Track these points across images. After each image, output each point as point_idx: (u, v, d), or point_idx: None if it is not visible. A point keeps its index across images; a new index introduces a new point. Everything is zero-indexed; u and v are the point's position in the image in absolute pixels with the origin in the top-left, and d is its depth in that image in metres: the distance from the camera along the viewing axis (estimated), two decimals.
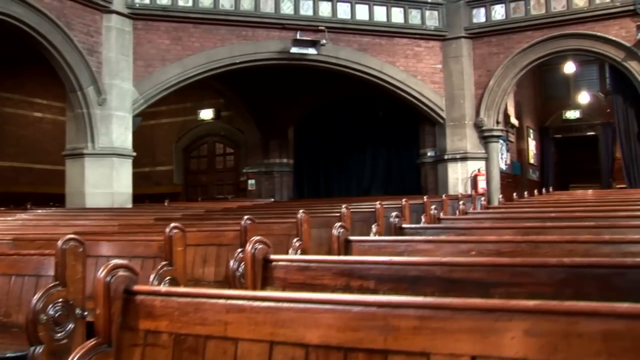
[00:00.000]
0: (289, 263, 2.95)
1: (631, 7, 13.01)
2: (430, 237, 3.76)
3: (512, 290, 2.46)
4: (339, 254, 3.71)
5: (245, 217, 5.32)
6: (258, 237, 3.11)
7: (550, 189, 12.51)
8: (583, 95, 20.62)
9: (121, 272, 2.29)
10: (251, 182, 17.45)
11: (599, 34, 13.37)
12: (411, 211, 9.53)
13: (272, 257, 3.01)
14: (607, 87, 19.15)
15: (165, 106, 17.32)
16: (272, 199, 16.38)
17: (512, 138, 17.01)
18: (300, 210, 6.08)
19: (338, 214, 6.92)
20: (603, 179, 20.99)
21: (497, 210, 6.42)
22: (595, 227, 4.06)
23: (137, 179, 18.33)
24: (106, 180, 11.63)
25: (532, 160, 19.82)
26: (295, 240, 5.95)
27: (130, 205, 11.92)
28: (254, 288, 2.94)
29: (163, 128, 19.49)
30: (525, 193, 9.73)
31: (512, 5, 14.27)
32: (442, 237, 3.72)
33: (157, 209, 11.06)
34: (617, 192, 11.14)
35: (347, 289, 2.76)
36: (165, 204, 12.59)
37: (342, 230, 3.81)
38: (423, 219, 9.71)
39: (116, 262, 2.29)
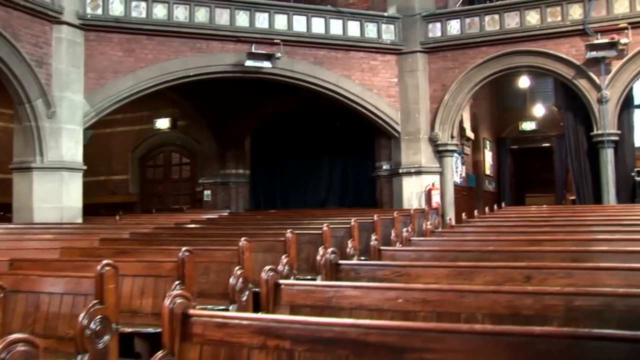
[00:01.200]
0: (207, 319, 2.90)
1: (581, 27, 13.22)
2: (359, 284, 3.73)
3: (425, 356, 2.44)
4: (267, 299, 3.67)
5: (184, 249, 5.27)
6: (177, 291, 3.06)
7: (503, 205, 12.63)
8: (538, 107, 20.89)
9: (20, 347, 2.22)
10: (207, 192, 17.32)
11: (550, 51, 13.56)
12: (361, 230, 9.57)
13: (191, 312, 2.96)
14: (561, 101, 19.43)
15: (121, 114, 17.13)
16: (228, 210, 16.28)
17: (468, 151, 17.15)
18: (242, 239, 6.04)
19: (283, 239, 6.88)
20: (557, 189, 21.29)
21: (440, 239, 6.43)
22: (526, 268, 4.08)
23: (93, 187, 18.16)
24: (55, 195, 11.40)
25: (488, 172, 20.00)
26: (236, 268, 5.91)
27: (80, 220, 11.72)
28: (172, 344, 2.89)
29: (119, 137, 19.26)
30: (476, 212, 9.80)
31: (468, 20, 14.40)
32: (370, 284, 3.70)
33: (106, 225, 10.91)
34: (567, 210, 11.29)
35: (263, 348, 2.73)
36: (117, 218, 12.40)
37: (271, 273, 3.76)
38: (373, 238, 9.73)
39: (16, 336, 2.21)
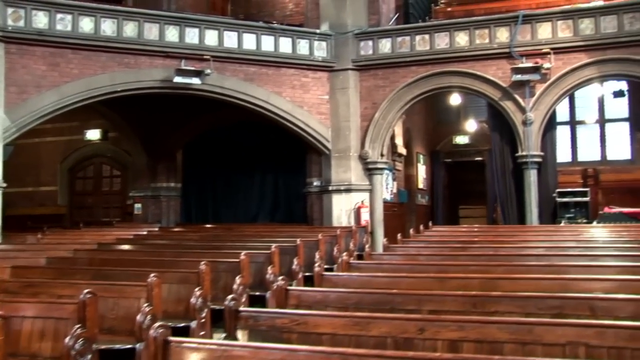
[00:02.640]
0: None
1: (507, 50, 13.53)
2: (246, 344, 3.73)
3: None
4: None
5: (85, 291, 5.14)
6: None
7: (430, 224, 12.75)
8: (471, 122, 21.24)
9: None
10: (138, 206, 17.05)
11: (478, 73, 13.82)
12: (284, 254, 9.56)
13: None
14: (489, 120, 19.80)
15: (50, 124, 16.67)
16: (159, 225, 16.09)
17: (400, 166, 17.32)
18: (152, 275, 5.95)
19: (197, 271, 6.81)
20: (489, 203, 21.65)
21: (351, 275, 6.46)
22: (420, 320, 4.13)
23: (19, 199, 17.70)
24: None
25: (421, 185, 20.24)
26: (145, 305, 5.82)
27: None
28: None
29: (48, 147, 18.80)
30: (399, 236, 9.90)
31: (399, 39, 14.56)
32: (257, 345, 3.68)
33: (24, 246, 10.64)
34: (492, 233, 11.50)
35: None
36: (39, 236, 12.10)
37: (160, 330, 3.71)
38: (295, 262, 9.76)
39: None
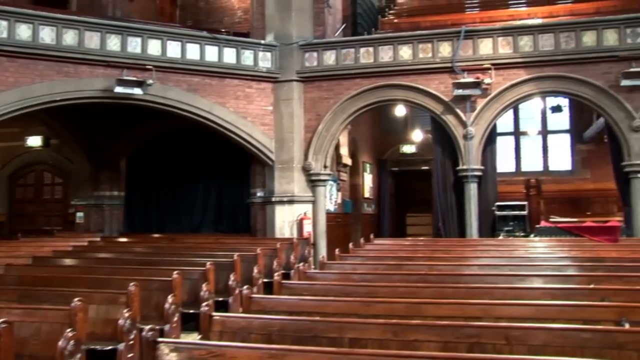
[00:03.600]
0: None
1: (449, 64, 13.71)
2: None
3: None
4: None
5: (1, 320, 5.03)
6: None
7: (372, 237, 12.83)
8: (417, 132, 21.44)
9: None
10: (80, 214, 16.78)
11: (421, 86, 13.98)
12: (220, 270, 9.52)
13: None
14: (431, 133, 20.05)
15: None
16: (101, 234, 15.87)
17: (345, 176, 17.39)
18: (76, 299, 5.85)
19: (125, 292, 6.72)
20: (434, 213, 21.84)
21: (279, 298, 6.46)
22: (333, 353, 4.16)
23: None
24: None
25: (367, 194, 20.35)
26: (68, 330, 5.72)
27: None
28: None
29: None
30: (337, 252, 9.93)
31: (344, 52, 14.63)
32: None
33: None
34: (432, 247, 11.63)
35: None
36: None
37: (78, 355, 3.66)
38: (232, 278, 9.72)
39: None
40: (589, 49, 13.12)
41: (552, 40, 13.31)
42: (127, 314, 6.52)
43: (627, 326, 5.14)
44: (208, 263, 8.74)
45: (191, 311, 8.23)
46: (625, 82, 12.63)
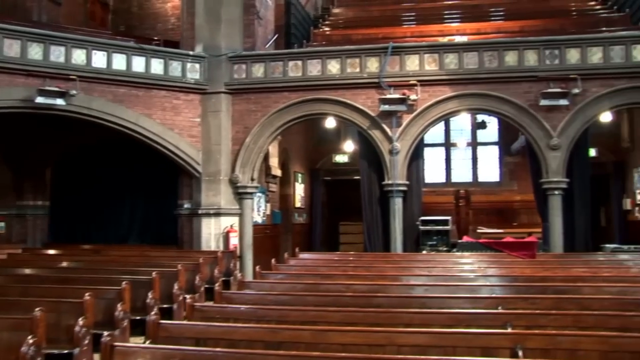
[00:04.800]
0: None
1: (376, 80, 13.87)
2: None
3: None
4: None
5: None
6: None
7: (298, 250, 12.90)
8: (349, 143, 21.60)
9: None
10: (1, 224, 16.31)
11: (348, 101, 14.10)
12: (139, 288, 9.40)
13: None
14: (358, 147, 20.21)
15: None
16: (24, 245, 15.53)
17: (274, 187, 17.38)
18: None
19: (30, 317, 6.57)
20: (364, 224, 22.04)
21: (187, 324, 6.42)
22: None
23: None
24: None
25: (299, 204, 20.38)
26: None
27: None
28: None
29: None
30: (257, 268, 9.92)
31: (272, 64, 14.63)
32: None
33: None
34: (356, 263, 11.73)
35: None
36: None
37: None
38: (150, 296, 9.60)
39: None
40: (511, 69, 13.47)
41: (476, 58, 13.61)
42: (31, 341, 6.36)
43: (520, 354, 5.30)
44: (124, 282, 8.62)
45: (105, 332, 8.09)
46: (543, 102, 13.01)
